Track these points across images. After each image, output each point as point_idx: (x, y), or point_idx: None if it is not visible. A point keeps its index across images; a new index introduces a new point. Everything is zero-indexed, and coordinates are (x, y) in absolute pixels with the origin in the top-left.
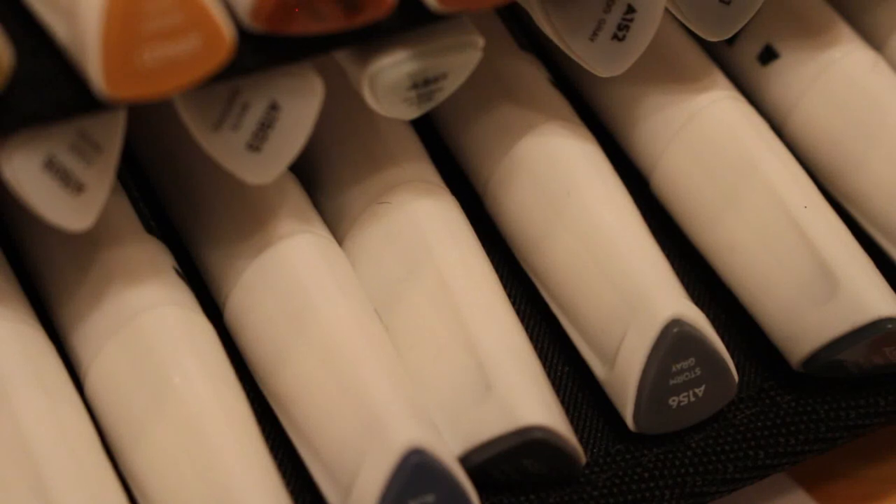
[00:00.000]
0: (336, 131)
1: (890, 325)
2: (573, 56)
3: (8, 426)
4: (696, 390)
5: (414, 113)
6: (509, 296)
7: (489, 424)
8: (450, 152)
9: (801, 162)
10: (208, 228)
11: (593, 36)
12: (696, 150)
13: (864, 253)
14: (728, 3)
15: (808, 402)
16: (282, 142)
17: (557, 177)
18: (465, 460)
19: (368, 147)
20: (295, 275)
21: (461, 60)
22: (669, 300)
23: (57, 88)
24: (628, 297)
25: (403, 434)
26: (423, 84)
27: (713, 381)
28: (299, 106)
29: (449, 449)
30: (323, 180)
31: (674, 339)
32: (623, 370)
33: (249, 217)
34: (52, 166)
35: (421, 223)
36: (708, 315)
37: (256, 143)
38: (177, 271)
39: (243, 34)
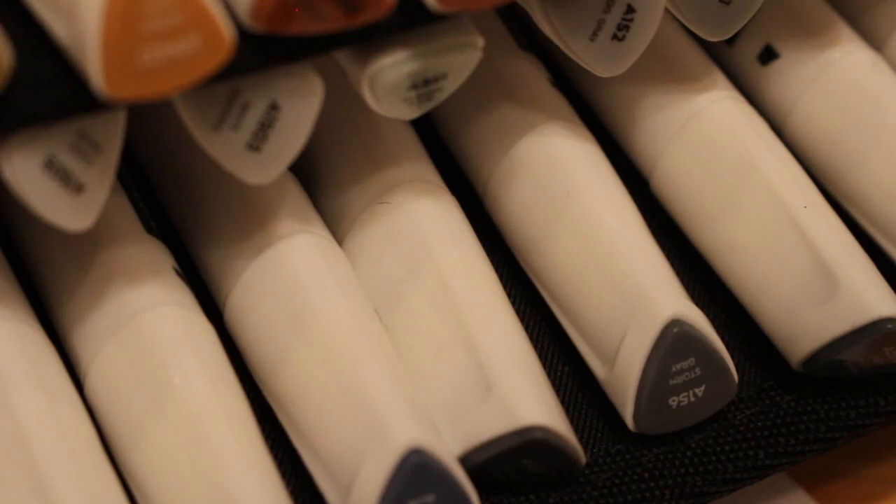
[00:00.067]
0: (336, 131)
1: (890, 325)
2: (573, 56)
3: (8, 426)
4: (696, 390)
5: (414, 113)
6: (509, 296)
7: (489, 424)
8: (450, 152)
9: (801, 162)
10: (208, 228)
11: (593, 36)
12: (696, 150)
13: (864, 253)
14: (728, 3)
15: (808, 402)
16: (282, 142)
17: (557, 177)
18: (465, 460)
19: (368, 147)
20: (295, 275)
21: (461, 60)
22: (669, 300)
23: (57, 88)
24: (628, 297)
25: (403, 434)
26: (423, 84)
27: (713, 381)
28: (299, 106)
29: (449, 449)
30: (323, 180)
31: (674, 339)
32: (623, 370)
33: (249, 217)
34: (52, 166)
35: (421, 223)
36: (708, 315)
37: (256, 143)
38: (177, 271)
39: (243, 34)
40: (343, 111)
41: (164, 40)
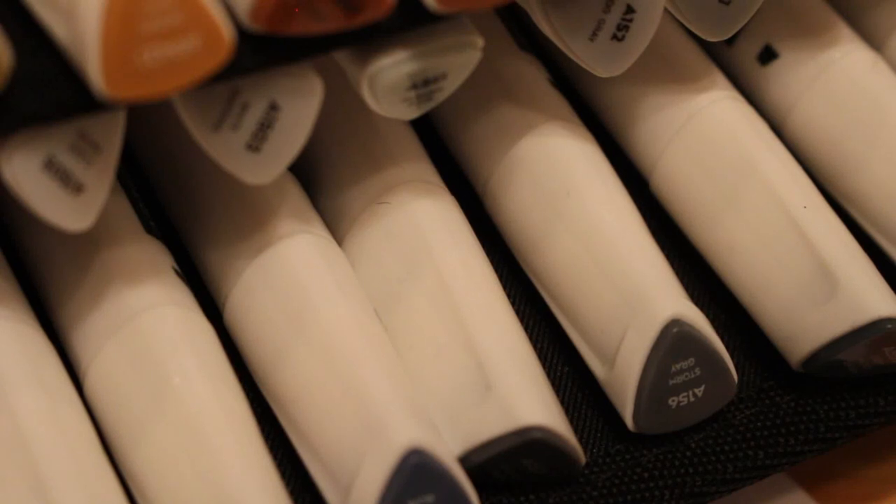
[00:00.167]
0: (336, 131)
1: (890, 325)
2: (573, 56)
3: (8, 426)
4: (696, 390)
5: (413, 113)
6: (509, 296)
7: (489, 424)
8: (450, 152)
9: (800, 162)
10: (208, 228)
11: (593, 36)
12: (696, 150)
13: (864, 253)
14: (727, 3)
15: (808, 402)
16: (281, 142)
17: (557, 177)
18: (464, 460)
19: (368, 147)
20: (295, 275)
21: (461, 60)
22: (669, 300)
23: (57, 88)
24: (628, 298)
25: (403, 434)
26: (422, 84)
27: (713, 381)
28: (299, 106)
29: (449, 449)
30: (323, 180)
31: (673, 339)
32: (623, 370)
33: (249, 217)
34: (51, 166)
35: (421, 223)
36: (708, 315)
37: (256, 144)
38: (176, 271)
39: (243, 34)
40: (343, 111)
41: (163, 40)
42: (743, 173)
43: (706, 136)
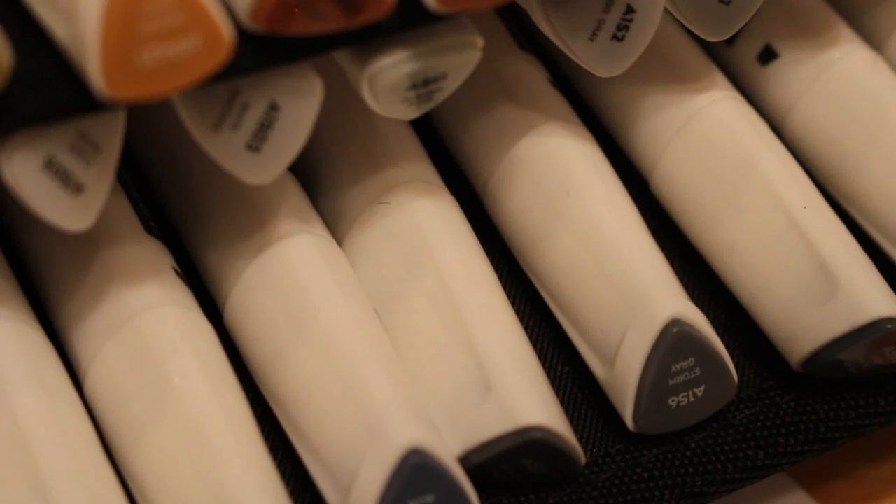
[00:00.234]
0: (336, 131)
1: (889, 325)
2: (573, 56)
3: (8, 426)
4: (696, 390)
5: (413, 113)
6: (509, 296)
7: (489, 424)
8: (450, 152)
9: (800, 162)
10: (208, 228)
11: (593, 36)
12: (696, 150)
13: (864, 253)
14: (727, 3)
15: (808, 402)
16: (281, 142)
17: (557, 177)
18: (464, 460)
19: (368, 147)
20: (295, 275)
21: (461, 60)
22: (669, 300)
23: (57, 88)
24: (628, 298)
25: (403, 434)
26: (422, 84)
27: (713, 381)
28: (299, 106)
29: (449, 449)
30: (323, 180)
31: (673, 339)
32: (623, 370)
33: (249, 217)
34: (51, 166)
35: (420, 223)
36: (708, 315)
37: (256, 144)
38: (176, 271)
39: (243, 34)
40: (343, 111)
41: (163, 40)
42: (743, 173)
43: (706, 136)
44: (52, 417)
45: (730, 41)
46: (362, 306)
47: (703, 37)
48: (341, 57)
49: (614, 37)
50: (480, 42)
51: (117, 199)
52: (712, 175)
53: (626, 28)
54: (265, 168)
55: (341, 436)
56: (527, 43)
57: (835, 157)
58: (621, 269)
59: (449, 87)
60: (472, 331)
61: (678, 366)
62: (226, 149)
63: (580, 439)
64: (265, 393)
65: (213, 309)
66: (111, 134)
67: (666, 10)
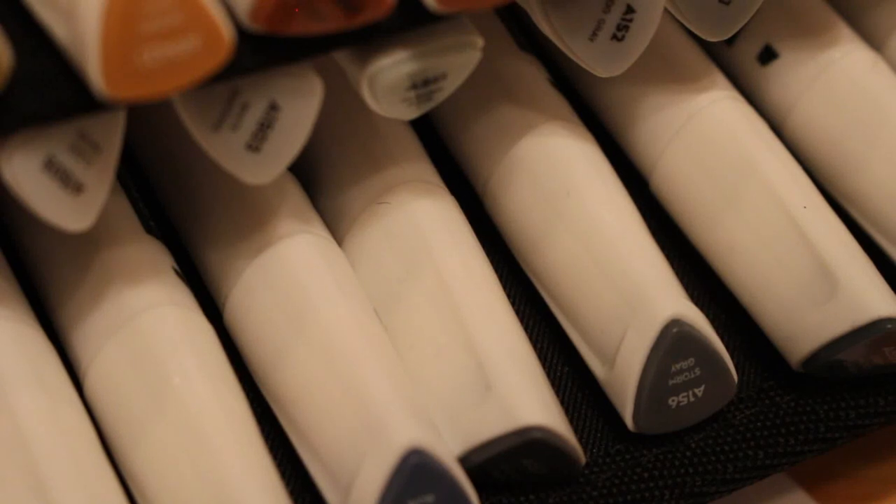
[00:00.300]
0: (336, 131)
1: (889, 325)
2: (572, 56)
3: (7, 426)
4: (696, 390)
5: (413, 113)
6: (509, 296)
7: (489, 424)
8: (450, 152)
9: (800, 162)
10: (208, 228)
11: (593, 36)
12: (696, 150)
13: (864, 253)
14: (727, 3)
15: (808, 402)
16: (281, 142)
17: (557, 177)
18: (464, 460)
19: (368, 147)
20: (294, 275)
21: (461, 60)
22: (669, 300)
23: (57, 88)
24: (628, 298)
25: (403, 434)
26: (422, 84)
27: (713, 381)
28: (299, 106)
29: (449, 449)
30: (323, 180)
31: (673, 339)
32: (623, 370)
33: (249, 217)
34: (51, 166)
35: (420, 223)
36: (708, 315)
37: (256, 144)
38: (176, 271)
39: (243, 34)
40: (343, 111)
41: (163, 40)
42: (743, 173)
43: (706, 136)
44: (51, 417)
45: (730, 41)
46: (362, 306)
47: (703, 37)
48: (341, 57)
49: (614, 37)
50: (480, 42)
51: (117, 199)
52: (712, 175)
53: (626, 28)
54: (265, 168)
55: (341, 436)
56: (527, 43)
57: (835, 157)
58: (621, 269)
59: (449, 87)
60: (472, 331)
61: (678, 366)
62: (226, 149)
63: (580, 439)
64: (265, 393)
65: (213, 309)
66: (111, 134)
67: (666, 10)
